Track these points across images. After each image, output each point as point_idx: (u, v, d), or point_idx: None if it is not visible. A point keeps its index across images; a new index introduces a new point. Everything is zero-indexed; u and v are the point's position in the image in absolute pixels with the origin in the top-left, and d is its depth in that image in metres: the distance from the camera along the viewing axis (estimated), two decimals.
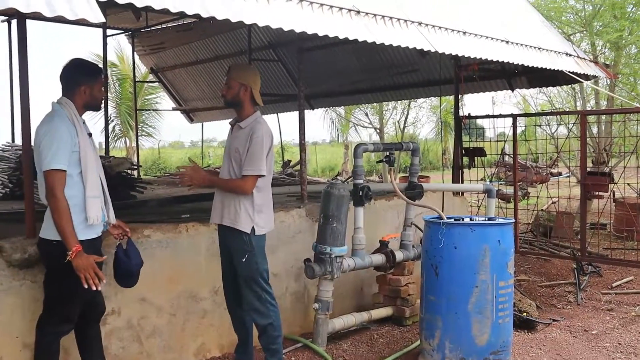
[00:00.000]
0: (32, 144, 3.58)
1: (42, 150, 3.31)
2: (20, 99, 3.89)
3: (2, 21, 8.60)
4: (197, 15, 3.60)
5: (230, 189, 3.99)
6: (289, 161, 12.05)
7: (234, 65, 4.25)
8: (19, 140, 8.39)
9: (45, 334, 3.50)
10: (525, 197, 12.43)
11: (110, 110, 13.58)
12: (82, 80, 3.52)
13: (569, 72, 6.83)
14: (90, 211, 3.41)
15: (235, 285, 4.16)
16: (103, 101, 3.72)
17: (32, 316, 3.69)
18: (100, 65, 17.37)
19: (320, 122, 25.49)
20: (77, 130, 3.41)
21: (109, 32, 9.85)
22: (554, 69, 6.59)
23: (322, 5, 4.49)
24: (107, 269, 3.65)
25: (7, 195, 6.99)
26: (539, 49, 6.64)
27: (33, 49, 4.01)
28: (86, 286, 3.29)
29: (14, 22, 8.22)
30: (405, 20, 5.13)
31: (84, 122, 3.56)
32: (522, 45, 6.39)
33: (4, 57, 8.74)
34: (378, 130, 22.25)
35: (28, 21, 4.02)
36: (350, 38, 4.41)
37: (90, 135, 3.58)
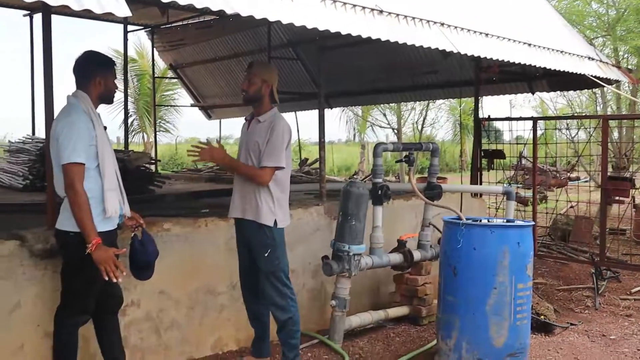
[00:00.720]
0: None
1: (61, 144, 3.33)
2: (44, 93, 3.93)
3: (24, 15, 8.68)
4: (221, 12, 3.62)
5: (249, 175, 3.99)
6: (306, 159, 12.04)
7: (256, 62, 4.27)
8: (39, 133, 8.50)
9: (63, 325, 3.54)
10: (543, 201, 12.34)
11: (129, 106, 13.65)
12: (96, 72, 3.54)
13: (592, 76, 6.77)
14: (108, 204, 3.44)
15: (252, 280, 4.18)
16: (116, 93, 3.72)
17: (53, 305, 3.72)
18: (118, 59, 17.51)
19: (337, 121, 25.46)
20: (94, 124, 3.43)
21: (129, 28, 9.91)
22: (576, 73, 6.54)
23: (345, 3, 4.49)
24: (125, 261, 3.69)
25: (28, 186, 7.08)
26: (562, 52, 6.60)
27: (53, 43, 4.05)
28: (107, 279, 3.32)
29: (35, 16, 8.32)
30: (428, 21, 5.12)
31: (99, 115, 3.57)
32: (544, 48, 6.36)
33: (25, 50, 8.80)
34: (396, 131, 22.20)
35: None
36: (373, 37, 4.42)
37: (105, 128, 3.59)
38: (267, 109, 4.10)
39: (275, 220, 4.00)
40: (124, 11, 3.00)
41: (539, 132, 8.06)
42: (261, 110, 4.09)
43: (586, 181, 14.93)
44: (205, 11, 3.45)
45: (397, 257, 5.36)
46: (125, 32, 9.63)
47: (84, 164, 3.35)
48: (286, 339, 4.12)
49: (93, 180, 3.41)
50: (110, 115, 18.77)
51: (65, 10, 3.28)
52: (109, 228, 3.51)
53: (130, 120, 21.02)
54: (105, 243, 3.37)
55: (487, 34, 5.74)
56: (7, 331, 3.63)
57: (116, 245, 3.57)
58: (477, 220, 4.69)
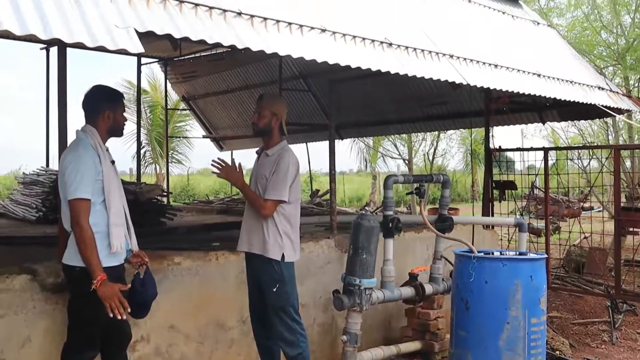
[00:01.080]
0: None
1: (67, 179, 3.35)
2: (59, 125, 3.98)
3: (41, 49, 8.83)
4: (232, 46, 3.67)
5: (254, 204, 4.02)
6: (317, 190, 12.05)
7: (266, 95, 4.31)
8: (53, 165, 8.57)
9: None
10: (556, 232, 12.23)
11: (142, 137, 13.79)
12: (105, 106, 3.56)
13: (602, 105, 6.76)
14: (113, 239, 3.44)
15: (262, 315, 4.15)
16: (126, 126, 3.74)
17: (63, 340, 3.70)
18: (131, 91, 17.67)
19: (348, 152, 25.50)
20: (100, 159, 3.45)
21: (143, 60, 10.05)
22: (586, 103, 6.53)
23: (354, 37, 4.54)
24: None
25: (41, 219, 7.12)
26: (571, 82, 6.61)
27: (68, 74, 4.11)
28: (111, 315, 3.30)
29: (52, 49, 8.46)
30: (437, 53, 5.16)
31: (107, 150, 3.59)
32: (553, 78, 6.37)
33: (40, 82, 8.93)
34: (407, 161, 22.19)
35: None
36: (383, 70, 4.44)
37: (113, 162, 3.60)
38: (277, 141, 4.12)
39: (283, 254, 3.98)
40: (137, 47, 3.05)
41: (550, 162, 8.02)
42: (270, 143, 4.12)
43: (599, 211, 14.80)
44: (217, 45, 3.50)
45: (408, 291, 5.31)
46: (139, 65, 9.78)
47: (90, 200, 3.35)
48: None
49: (99, 215, 3.41)
50: (124, 147, 18.90)
51: (81, 46, 3.33)
52: (115, 263, 3.50)
53: (142, 152, 21.19)
54: (111, 278, 3.36)
55: (496, 65, 5.76)
56: None
57: (123, 281, 3.56)
58: (488, 253, 4.65)
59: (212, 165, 4.12)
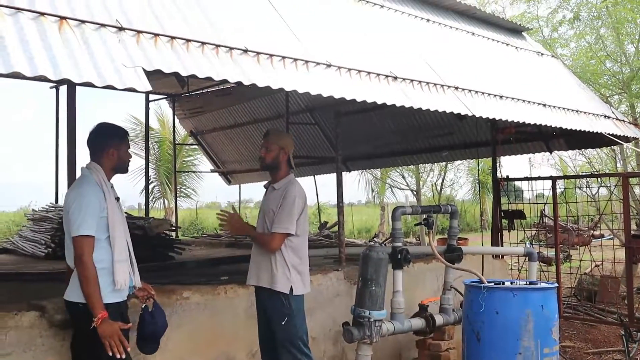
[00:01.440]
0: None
1: (71, 216, 3.36)
2: (67, 161, 4.05)
3: (51, 87, 8.98)
4: (239, 83, 3.73)
5: (259, 241, 4.07)
6: (326, 223, 12.06)
7: (273, 130, 4.35)
8: (62, 201, 8.63)
9: None
10: (567, 260, 12.14)
11: (150, 172, 13.89)
12: (109, 144, 3.58)
13: (608, 134, 6.78)
14: (117, 275, 3.43)
15: (272, 349, 4.12)
16: (131, 162, 3.75)
17: None
18: (139, 127, 17.79)
19: (356, 184, 25.54)
20: (105, 195, 3.46)
21: (151, 97, 10.18)
22: (592, 132, 6.55)
23: (359, 71, 4.60)
24: (133, 335, 3.65)
25: (49, 255, 7.14)
26: (577, 111, 6.64)
27: (77, 111, 4.18)
28: (110, 354, 3.29)
29: (61, 88, 8.60)
30: (442, 85, 5.21)
31: (112, 186, 3.61)
32: (559, 108, 6.41)
33: (50, 119, 9.06)
34: (415, 192, 22.18)
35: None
36: (388, 103, 4.49)
37: (117, 199, 3.61)
38: (284, 175, 4.15)
39: (292, 288, 3.97)
40: (145, 86, 3.11)
41: (559, 190, 8.01)
42: (277, 177, 4.15)
43: (610, 238, 14.70)
44: (224, 82, 3.57)
45: (418, 322, 5.26)
46: (147, 102, 9.90)
47: (94, 237, 3.36)
48: None
49: (104, 251, 3.42)
50: (132, 182, 19.02)
51: (89, 84, 3.40)
52: (118, 300, 3.49)
53: (151, 187, 21.30)
54: (114, 315, 3.37)
55: (501, 96, 5.81)
56: None
57: (125, 317, 3.57)
58: (499, 283, 4.62)
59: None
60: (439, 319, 5.39)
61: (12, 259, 7.48)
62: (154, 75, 3.37)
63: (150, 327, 3.65)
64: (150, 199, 16.98)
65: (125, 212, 8.67)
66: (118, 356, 3.30)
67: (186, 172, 21.54)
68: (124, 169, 3.70)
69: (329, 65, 4.40)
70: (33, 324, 3.65)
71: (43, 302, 3.76)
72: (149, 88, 3.11)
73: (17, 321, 3.59)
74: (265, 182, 4.34)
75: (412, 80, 4.96)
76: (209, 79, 3.60)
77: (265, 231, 4.07)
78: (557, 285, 4.96)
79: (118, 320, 3.49)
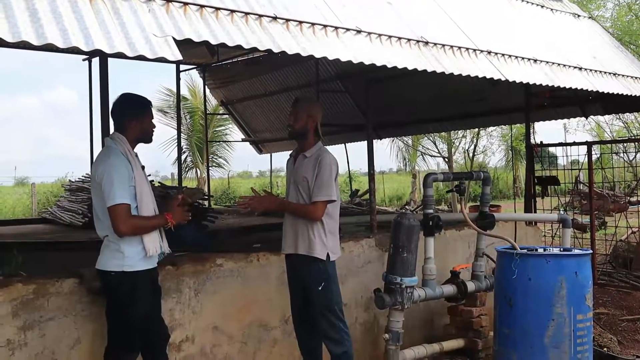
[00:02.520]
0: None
1: (104, 187, 3.42)
2: (102, 132, 4.11)
3: (84, 59, 9.07)
4: (268, 51, 3.72)
5: (302, 213, 4.05)
6: (357, 190, 12.05)
7: (302, 98, 4.34)
8: None
9: None
10: (602, 227, 11.96)
11: (182, 142, 14.04)
12: (131, 115, 3.61)
13: None
14: (147, 244, 3.50)
15: (305, 315, 4.18)
16: (154, 132, 3.78)
17: None
18: (171, 98, 17.87)
19: (387, 151, 25.45)
20: (132, 165, 3.51)
21: (182, 67, 10.22)
22: (630, 95, 6.38)
23: (390, 37, 4.54)
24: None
25: (86, 224, 7.30)
26: (614, 74, 6.47)
27: (110, 84, 4.22)
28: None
29: (94, 60, 8.68)
30: (474, 50, 5.12)
31: (136, 155, 3.65)
32: (595, 71, 6.25)
33: (82, 91, 9.18)
34: (446, 159, 22.01)
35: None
36: (419, 69, 4.44)
37: (142, 168, 3.66)
38: (312, 143, 4.15)
39: (328, 254, 4.01)
40: (175, 55, 3.12)
41: (595, 156, 7.87)
42: (306, 146, 4.14)
43: None
44: (254, 50, 3.55)
45: (450, 289, 5.27)
46: (178, 72, 9.94)
47: (129, 204, 3.43)
48: None
49: None
50: (165, 152, 19.25)
51: (121, 56, 3.43)
52: (149, 267, 3.57)
53: (183, 157, 21.52)
54: (145, 281, 3.48)
55: (535, 60, 5.69)
56: None
57: (157, 284, 3.68)
58: (532, 250, 4.59)
59: (239, 207, 4.20)
60: (471, 286, 5.39)
61: (52, 229, 7.67)
62: (183, 46, 3.38)
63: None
64: (182, 169, 17.20)
65: (159, 182, 8.82)
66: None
67: (217, 141, 21.69)
68: (147, 139, 3.73)
69: (358, 32, 4.35)
70: (72, 291, 3.76)
71: (81, 270, 3.86)
72: (180, 57, 3.12)
73: (58, 288, 3.71)
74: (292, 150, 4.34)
75: (443, 45, 4.88)
76: (238, 47, 3.60)
77: (300, 200, 4.08)
78: (591, 252, 4.91)
79: (150, 287, 3.58)
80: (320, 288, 3.99)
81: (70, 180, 9.52)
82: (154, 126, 3.75)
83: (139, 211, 3.51)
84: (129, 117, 3.60)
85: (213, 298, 4.35)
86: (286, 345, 4.70)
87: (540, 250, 4.63)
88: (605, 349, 5.17)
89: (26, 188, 23.51)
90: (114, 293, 3.55)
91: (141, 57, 3.15)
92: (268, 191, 4.21)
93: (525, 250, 4.48)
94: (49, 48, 4.08)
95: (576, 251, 4.60)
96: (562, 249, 4.77)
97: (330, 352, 4.12)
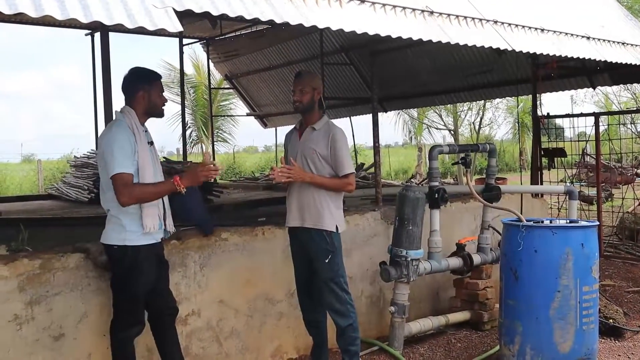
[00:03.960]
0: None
1: (106, 158, 3.39)
2: (104, 107, 4.08)
3: (86, 34, 9.01)
4: (270, 22, 3.66)
5: (337, 186, 4.02)
6: (363, 164, 12.00)
7: (304, 72, 4.26)
8: None
9: (116, 338, 3.63)
10: (609, 199, 11.92)
11: (187, 117, 13.98)
12: (139, 87, 3.57)
13: None
14: (146, 220, 3.47)
15: (310, 289, 4.19)
16: (165, 107, 3.72)
17: None
18: (173, 72, 17.75)
19: (393, 125, 25.38)
20: (136, 139, 3.48)
21: (185, 41, 10.13)
22: (639, 65, 6.29)
23: (394, 7, 4.47)
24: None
25: (92, 199, 7.31)
26: (623, 43, 6.37)
27: (113, 58, 4.17)
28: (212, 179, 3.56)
29: (96, 35, 8.62)
30: (480, 19, 5.03)
31: (145, 131, 3.63)
32: (604, 40, 6.15)
33: (87, 67, 9.16)
34: (452, 132, 21.92)
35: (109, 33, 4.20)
36: (424, 39, 4.37)
37: (151, 143, 3.63)
38: (318, 116, 4.12)
39: (337, 226, 4.01)
40: (176, 26, 3.07)
41: (602, 128, 7.80)
42: (314, 118, 4.10)
43: None
44: (256, 22, 3.48)
45: (456, 262, 5.27)
46: (181, 46, 9.86)
47: (130, 174, 3.39)
48: (346, 346, 4.10)
49: None
50: (170, 128, 19.23)
51: (121, 28, 3.37)
52: (152, 241, 3.55)
53: (188, 132, 21.52)
54: (149, 256, 3.48)
55: (542, 29, 5.59)
56: (75, 341, 3.75)
57: (163, 258, 3.69)
58: (538, 222, 4.57)
59: (274, 176, 3.95)
60: (477, 258, 5.39)
61: (58, 205, 7.68)
62: (186, 19, 3.33)
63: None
64: (187, 144, 17.18)
65: (164, 157, 8.79)
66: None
67: (222, 116, 21.64)
68: (157, 113, 3.69)
69: (362, 1, 4.28)
70: (79, 265, 3.77)
71: (87, 245, 3.87)
72: (180, 29, 3.07)
73: (64, 263, 3.72)
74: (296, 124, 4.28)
75: (449, 15, 4.80)
76: (240, 18, 3.54)
77: (309, 172, 4.03)
78: (597, 223, 4.89)
79: (154, 262, 3.58)
80: (326, 260, 3.99)
81: (75, 156, 9.52)
82: (164, 100, 3.70)
83: None
84: (136, 89, 3.57)
85: (218, 272, 4.36)
86: (292, 318, 4.72)
87: (547, 222, 4.60)
88: (611, 320, 5.17)
89: (32, 165, 23.56)
90: (116, 266, 3.56)
91: (141, 30, 3.10)
92: (293, 162, 4.10)
93: (532, 222, 4.46)
94: (49, 22, 4.05)
95: (582, 223, 4.56)
96: (568, 221, 4.74)
97: (336, 325, 4.13)
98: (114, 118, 3.61)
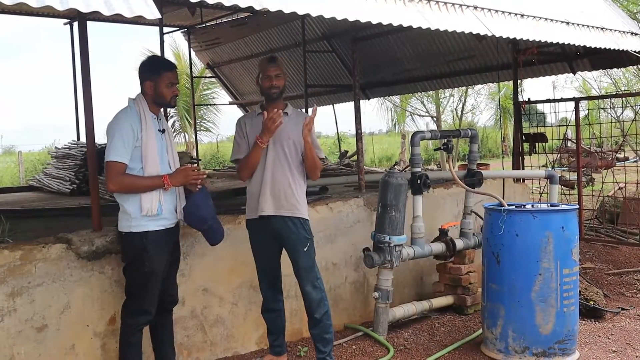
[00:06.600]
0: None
1: (107, 143, 3.46)
2: (83, 98, 4.03)
3: (65, 24, 8.90)
4: (250, 8, 3.63)
5: (316, 162, 3.96)
6: (346, 152, 12.02)
7: (276, 56, 4.21)
8: (84, 138, 8.70)
9: (125, 324, 3.64)
10: (590, 183, 12.04)
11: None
12: (146, 76, 3.61)
13: (635, 52, 6.55)
14: (144, 202, 3.47)
15: (275, 280, 4.17)
16: (175, 98, 3.71)
17: (101, 306, 3.85)
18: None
19: (376, 112, 25.43)
20: (142, 126, 3.48)
21: (166, 29, 10.03)
22: (618, 50, 6.34)
23: None
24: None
25: (75, 191, 7.26)
26: (602, 29, 6.41)
27: (94, 49, 4.12)
28: (199, 187, 3.60)
29: (75, 24, 8.52)
30: (461, 5, 5.04)
31: (159, 119, 3.65)
32: (583, 25, 6.19)
33: (67, 58, 9.05)
34: (435, 119, 21.99)
35: (89, 23, 4.14)
36: (405, 25, 4.37)
37: (162, 131, 3.63)
38: (283, 101, 4.09)
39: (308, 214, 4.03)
40: (154, 13, 3.04)
41: (583, 113, 7.86)
42: (280, 104, 4.02)
43: (635, 161, 14.49)
44: (235, 8, 3.43)
45: (439, 247, 5.31)
46: (162, 34, 9.74)
47: (124, 164, 3.41)
48: (321, 334, 4.05)
49: None
50: None
51: (99, 17, 3.33)
52: (160, 227, 3.55)
53: (171, 122, 21.37)
54: (156, 242, 3.49)
55: (522, 15, 5.62)
56: (58, 332, 3.73)
57: (177, 244, 3.75)
58: (519, 206, 4.61)
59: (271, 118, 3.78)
60: (459, 243, 5.44)
61: (39, 196, 7.62)
62: (166, 8, 3.30)
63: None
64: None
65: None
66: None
67: (205, 105, 21.50)
68: (165, 103, 3.71)
69: None
70: (60, 256, 3.75)
71: (69, 235, 3.85)
72: (158, 15, 3.04)
73: (45, 254, 3.69)
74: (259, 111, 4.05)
75: (429, 1, 4.80)
76: (219, 5, 3.51)
77: (283, 162, 3.92)
78: (578, 207, 4.94)
79: (162, 248, 3.58)
80: (305, 249, 3.97)
81: (56, 147, 9.42)
82: (175, 91, 3.68)
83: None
84: (144, 79, 3.61)
85: (202, 261, 4.35)
86: None
87: (529, 207, 4.64)
88: (591, 302, 5.24)
89: (13, 157, 23.31)
90: (125, 254, 3.64)
91: (120, 17, 3.07)
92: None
93: (513, 207, 4.50)
94: (27, 10, 3.98)
95: (563, 207, 4.61)
96: (549, 205, 4.79)
97: (312, 313, 4.01)
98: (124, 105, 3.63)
